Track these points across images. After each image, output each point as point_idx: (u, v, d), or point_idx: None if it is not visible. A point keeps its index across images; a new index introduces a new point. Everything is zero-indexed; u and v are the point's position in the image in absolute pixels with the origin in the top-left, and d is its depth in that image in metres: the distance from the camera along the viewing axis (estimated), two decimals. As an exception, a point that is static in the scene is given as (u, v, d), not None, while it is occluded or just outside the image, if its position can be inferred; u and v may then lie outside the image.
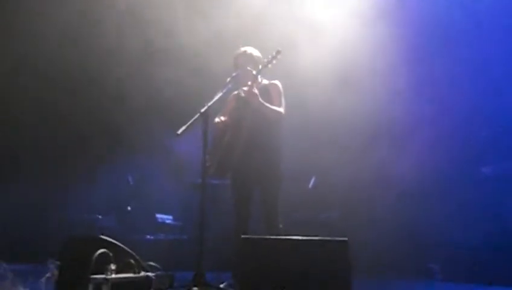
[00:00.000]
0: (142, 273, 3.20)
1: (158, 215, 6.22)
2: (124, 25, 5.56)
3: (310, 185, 6.05)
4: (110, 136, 6.09)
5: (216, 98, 3.59)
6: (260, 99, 3.57)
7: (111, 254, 3.03)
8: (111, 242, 3.17)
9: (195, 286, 3.13)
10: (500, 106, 5.41)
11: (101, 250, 3.00)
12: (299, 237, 2.92)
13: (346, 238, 2.86)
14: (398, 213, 5.28)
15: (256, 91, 3.59)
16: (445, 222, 5.28)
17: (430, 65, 5.49)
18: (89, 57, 5.69)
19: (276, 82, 3.78)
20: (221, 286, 3.35)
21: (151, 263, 3.37)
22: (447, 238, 5.17)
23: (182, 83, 5.47)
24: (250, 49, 3.84)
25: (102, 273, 2.93)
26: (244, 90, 3.65)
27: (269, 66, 3.60)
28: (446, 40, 5.48)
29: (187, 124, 3.44)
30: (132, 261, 3.16)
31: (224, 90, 3.63)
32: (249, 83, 3.62)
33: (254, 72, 3.63)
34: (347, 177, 5.55)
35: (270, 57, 3.60)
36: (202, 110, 3.45)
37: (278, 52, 3.58)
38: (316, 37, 5.21)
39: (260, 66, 3.62)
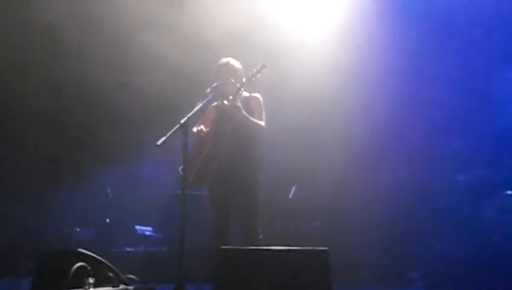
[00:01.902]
0: (121, 287, 3.15)
1: (137, 227, 6.14)
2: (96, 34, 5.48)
3: (290, 195, 6.07)
4: (88, 148, 5.99)
5: (196, 108, 3.58)
6: (243, 112, 3.59)
7: (89, 268, 2.97)
8: (89, 255, 3.12)
9: (175, 298, 3.09)
10: (477, 116, 5.56)
11: (79, 264, 2.95)
12: (279, 248, 2.92)
13: (326, 248, 2.87)
14: (378, 223, 5.33)
15: (239, 104, 3.60)
16: (424, 231, 5.37)
17: (408, 76, 5.61)
18: (68, 65, 5.58)
19: (257, 95, 3.81)
20: (202, 298, 3.31)
21: (131, 276, 3.32)
22: (426, 246, 5.25)
23: (161, 92, 5.45)
24: (232, 61, 3.86)
25: (80, 288, 2.87)
26: (227, 103, 3.65)
27: (253, 79, 3.63)
28: (428, 51, 5.62)
29: (166, 135, 3.41)
30: (111, 274, 3.12)
31: (204, 101, 3.63)
32: (232, 95, 3.63)
33: (238, 85, 3.65)
34: (328, 187, 5.60)
35: (254, 70, 3.63)
36: (182, 121, 3.44)
37: (263, 66, 3.62)
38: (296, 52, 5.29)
39: (244, 79, 3.64)
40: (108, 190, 6.20)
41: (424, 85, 5.60)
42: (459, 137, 5.68)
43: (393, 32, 5.42)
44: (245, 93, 3.82)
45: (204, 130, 3.75)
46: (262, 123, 3.70)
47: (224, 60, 3.86)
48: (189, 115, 3.50)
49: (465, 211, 5.38)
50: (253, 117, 3.68)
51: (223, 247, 3.05)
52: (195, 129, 3.76)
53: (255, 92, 3.86)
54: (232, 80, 3.73)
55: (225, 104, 3.65)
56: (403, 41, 5.48)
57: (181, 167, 3.54)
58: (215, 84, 3.71)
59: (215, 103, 3.87)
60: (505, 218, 5.16)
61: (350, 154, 5.53)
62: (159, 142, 3.39)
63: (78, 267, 2.92)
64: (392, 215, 5.40)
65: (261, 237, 3.58)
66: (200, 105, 3.59)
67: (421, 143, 5.62)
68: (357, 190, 5.57)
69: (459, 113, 5.58)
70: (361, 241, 5.26)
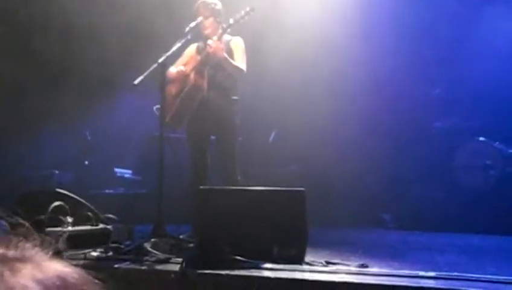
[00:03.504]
0: (100, 226, 3.18)
1: (117, 170, 6.13)
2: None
3: (270, 139, 6.11)
4: (67, 89, 5.77)
5: (174, 48, 3.51)
6: (225, 54, 3.52)
7: (67, 207, 2.97)
8: (67, 195, 3.12)
9: (154, 237, 3.15)
10: (454, 63, 5.59)
11: (57, 203, 2.94)
12: (256, 188, 2.97)
13: (303, 189, 2.93)
14: (354, 167, 5.46)
15: (222, 46, 3.51)
16: (398, 175, 5.53)
17: (390, 27, 5.53)
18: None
19: (239, 38, 3.72)
20: (181, 237, 3.39)
21: (110, 215, 3.35)
22: (399, 190, 5.44)
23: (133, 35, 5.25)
24: (212, 0, 3.70)
25: (59, 227, 2.89)
26: (210, 43, 3.55)
27: (241, 21, 3.51)
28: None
29: (144, 74, 3.35)
30: (89, 213, 3.13)
31: (182, 41, 3.54)
32: (215, 36, 3.52)
33: (224, 26, 3.54)
34: (307, 131, 5.64)
35: (243, 12, 3.51)
36: (160, 60, 3.36)
37: (251, 9, 3.50)
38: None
39: (231, 21, 3.52)
40: (87, 133, 6.11)
41: (404, 36, 5.54)
42: (436, 85, 5.73)
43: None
44: (227, 36, 3.70)
45: (184, 70, 3.66)
46: (243, 67, 3.63)
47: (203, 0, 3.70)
48: (167, 54, 3.43)
49: (439, 156, 5.54)
50: (234, 60, 3.60)
51: (201, 187, 3.08)
52: (174, 69, 3.67)
53: (237, 34, 3.74)
54: (212, 20, 3.61)
55: (208, 45, 3.54)
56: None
57: (156, 106, 3.51)
58: (193, 24, 3.59)
59: (196, 44, 3.75)
60: (476, 164, 5.34)
61: (331, 99, 5.53)
62: (136, 81, 3.34)
63: (55, 207, 2.91)
64: (368, 159, 5.52)
65: (239, 177, 3.63)
66: (178, 45, 3.52)
67: (399, 91, 5.65)
68: (335, 135, 5.64)
69: (437, 62, 5.58)
70: (337, 184, 5.41)
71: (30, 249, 0.57)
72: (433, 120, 5.83)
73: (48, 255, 0.57)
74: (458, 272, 2.57)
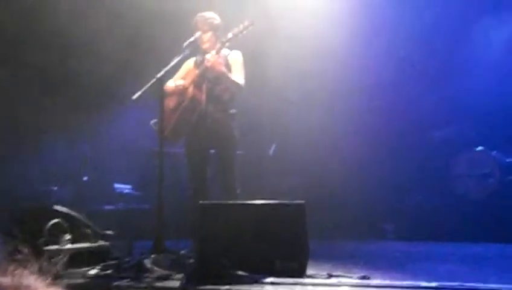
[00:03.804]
0: (99, 243, 3.16)
1: (116, 185, 6.11)
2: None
3: (271, 152, 6.11)
4: (65, 102, 5.75)
5: (173, 63, 3.53)
6: (223, 68, 3.52)
7: (65, 224, 2.96)
8: (65, 212, 3.10)
9: (154, 253, 3.13)
10: (453, 73, 5.64)
11: (54, 220, 2.92)
12: (256, 202, 2.96)
13: (303, 201, 2.93)
14: (355, 178, 5.46)
15: (220, 60, 3.53)
16: (398, 185, 5.54)
17: (386, 34, 5.58)
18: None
19: (238, 52, 3.72)
20: (181, 252, 3.36)
21: (109, 232, 3.33)
22: (399, 199, 5.43)
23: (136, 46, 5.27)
24: (211, 14, 3.74)
25: (57, 244, 2.87)
26: (208, 57, 3.56)
27: (239, 36, 3.53)
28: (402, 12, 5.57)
29: (142, 89, 3.37)
30: (88, 230, 3.11)
31: (181, 56, 3.57)
32: (213, 50, 3.54)
33: (223, 40, 3.55)
34: (306, 144, 5.65)
35: (241, 27, 3.51)
36: (158, 75, 3.38)
37: (250, 23, 3.50)
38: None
39: (230, 35, 3.53)
40: (86, 148, 6.10)
41: (403, 47, 5.59)
42: (435, 95, 5.77)
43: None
44: (226, 50, 3.72)
45: (182, 83, 3.68)
46: (242, 81, 3.64)
47: (203, 13, 3.73)
48: (166, 69, 3.46)
49: (438, 166, 5.55)
50: (233, 74, 3.61)
51: (201, 202, 3.07)
52: (172, 83, 3.69)
53: (236, 48, 3.76)
54: (210, 34, 3.64)
55: (206, 59, 3.56)
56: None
57: (153, 120, 3.52)
58: (192, 39, 3.62)
59: (194, 58, 3.78)
60: (475, 173, 5.35)
61: (331, 111, 5.56)
62: (134, 96, 3.36)
63: (53, 224, 2.90)
64: (368, 170, 5.53)
65: (239, 191, 3.61)
66: (176, 59, 3.54)
67: (399, 101, 5.69)
68: (334, 147, 5.65)
69: (436, 72, 5.63)
70: (338, 196, 5.40)
71: (28, 277, 0.56)
72: (432, 130, 5.86)
73: (47, 282, 0.56)
74: (460, 281, 2.57)
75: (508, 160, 5.47)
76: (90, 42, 5.23)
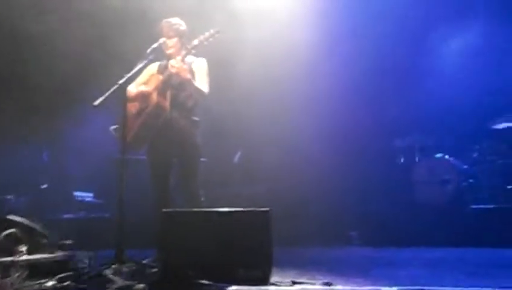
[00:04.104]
0: (58, 253, 3.04)
1: (77, 193, 5.92)
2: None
3: (236, 159, 6.10)
4: (22, 108, 5.51)
5: (136, 69, 3.47)
6: (188, 76, 3.50)
7: (20, 235, 2.83)
8: (20, 222, 2.96)
9: (116, 263, 3.04)
10: (413, 79, 5.83)
11: (9, 230, 2.79)
12: (220, 209, 2.94)
13: (267, 209, 2.92)
14: (320, 186, 5.53)
15: (185, 67, 3.50)
16: (361, 192, 5.65)
17: (347, 44, 5.71)
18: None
19: (203, 60, 3.71)
20: (144, 262, 3.29)
21: (67, 242, 3.21)
22: (364, 207, 5.54)
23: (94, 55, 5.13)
24: (177, 20, 3.72)
25: (11, 256, 2.74)
26: (174, 64, 3.53)
27: (205, 43, 3.51)
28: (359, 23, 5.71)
29: (104, 95, 3.29)
30: (45, 241, 2.99)
31: (144, 62, 3.52)
32: (178, 57, 3.52)
33: (189, 47, 3.53)
34: (272, 151, 5.67)
35: (207, 34, 3.51)
36: (120, 81, 3.32)
37: (217, 31, 3.51)
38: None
39: (196, 42, 3.51)
40: (44, 154, 5.88)
41: (366, 55, 5.73)
42: (395, 105, 5.94)
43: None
44: (190, 57, 3.70)
45: (145, 89, 3.62)
46: (206, 89, 3.63)
47: (169, 19, 3.71)
48: (128, 75, 3.40)
49: (400, 173, 5.71)
50: (196, 82, 3.59)
51: (164, 210, 3.02)
52: (133, 88, 3.62)
53: (201, 54, 3.74)
54: (176, 40, 3.61)
55: (171, 65, 3.53)
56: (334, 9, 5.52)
57: (113, 126, 3.45)
58: (155, 45, 3.58)
59: (158, 63, 3.73)
60: (434, 179, 5.54)
61: (296, 119, 5.62)
62: (96, 102, 3.28)
63: (7, 235, 2.76)
64: (333, 178, 5.61)
65: (203, 199, 3.58)
66: (140, 66, 3.49)
67: (362, 111, 5.82)
68: (299, 155, 5.70)
69: (397, 81, 5.81)
70: (303, 204, 5.44)
71: None
72: (393, 138, 6.03)
73: None
74: (419, 285, 2.64)
75: (464, 166, 5.70)
76: (48, 38, 5.00)
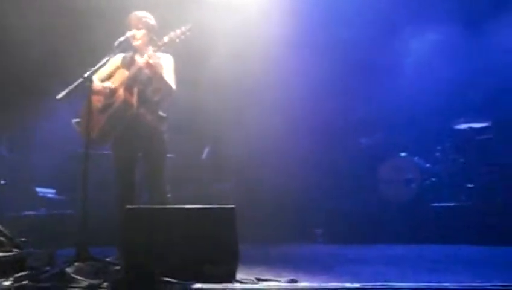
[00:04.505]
0: (15, 251, 2.93)
1: (38, 189, 5.72)
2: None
3: (203, 156, 6.06)
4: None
5: (101, 62, 3.38)
6: (158, 69, 3.44)
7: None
8: (-25, 219, 2.83)
9: (77, 261, 2.96)
10: (379, 79, 5.95)
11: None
12: (186, 206, 2.91)
13: (233, 206, 2.91)
14: (286, 183, 5.57)
15: (153, 61, 3.44)
16: (327, 190, 5.72)
17: (317, 40, 5.76)
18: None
19: (169, 56, 3.66)
20: (107, 260, 3.21)
21: (24, 239, 3.10)
22: (329, 204, 5.62)
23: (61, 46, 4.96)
24: (146, 13, 3.65)
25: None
26: (142, 58, 3.45)
27: (177, 40, 3.45)
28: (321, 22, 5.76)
29: (68, 88, 3.19)
30: (2, 238, 2.87)
31: (111, 55, 3.44)
32: (147, 52, 3.46)
33: (159, 44, 3.47)
34: (239, 148, 5.67)
35: (178, 32, 3.45)
36: (85, 74, 3.23)
37: (188, 29, 3.45)
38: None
39: (166, 39, 3.46)
40: (3, 147, 5.65)
41: (332, 53, 5.78)
42: (361, 103, 6.04)
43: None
44: (158, 53, 3.62)
45: (111, 84, 3.53)
46: (173, 85, 3.58)
47: (137, 13, 3.63)
48: (94, 69, 3.32)
49: (366, 172, 5.83)
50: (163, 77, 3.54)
51: (128, 206, 2.96)
52: (98, 82, 3.53)
53: (168, 49, 3.68)
54: (144, 33, 3.54)
55: (139, 60, 3.45)
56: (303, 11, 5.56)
57: (75, 120, 3.36)
58: (122, 38, 3.50)
59: (122, 55, 3.64)
60: (398, 178, 5.68)
61: (264, 115, 5.62)
62: (59, 96, 3.18)
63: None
64: (300, 175, 5.66)
65: (169, 195, 3.53)
66: (105, 59, 3.40)
67: (329, 108, 5.89)
68: (267, 152, 5.72)
69: (364, 80, 5.90)
70: (269, 201, 5.47)
71: None
72: (360, 136, 6.14)
73: None
74: (382, 281, 2.69)
75: (427, 165, 5.87)
76: (8, 29, 4.80)
